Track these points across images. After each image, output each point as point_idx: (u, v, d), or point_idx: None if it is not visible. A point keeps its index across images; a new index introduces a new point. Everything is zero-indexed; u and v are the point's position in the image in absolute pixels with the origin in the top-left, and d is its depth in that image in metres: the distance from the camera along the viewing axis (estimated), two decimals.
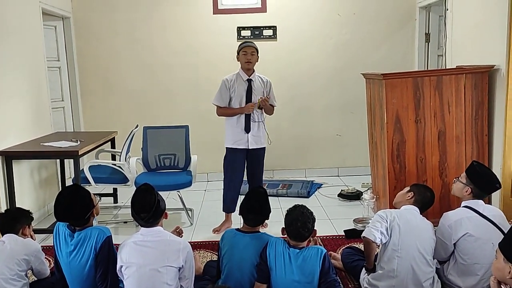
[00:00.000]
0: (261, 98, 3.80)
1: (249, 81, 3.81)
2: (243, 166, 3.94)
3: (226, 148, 3.92)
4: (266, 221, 3.33)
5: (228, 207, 3.97)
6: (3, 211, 2.88)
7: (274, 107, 4.01)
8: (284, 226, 2.49)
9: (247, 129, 3.82)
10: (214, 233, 3.89)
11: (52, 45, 5.09)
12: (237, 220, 3.68)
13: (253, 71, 3.85)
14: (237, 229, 2.70)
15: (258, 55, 3.84)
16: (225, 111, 3.86)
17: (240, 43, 3.89)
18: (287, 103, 5.55)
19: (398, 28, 5.43)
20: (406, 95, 3.68)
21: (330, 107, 5.57)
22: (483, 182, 2.75)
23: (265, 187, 4.95)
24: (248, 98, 3.80)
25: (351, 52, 5.46)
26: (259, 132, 3.90)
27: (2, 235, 2.68)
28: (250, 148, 3.86)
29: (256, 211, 2.62)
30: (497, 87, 3.69)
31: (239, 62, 3.83)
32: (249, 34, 5.39)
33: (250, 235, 2.62)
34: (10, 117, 3.89)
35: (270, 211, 2.70)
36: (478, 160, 3.73)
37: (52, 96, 4.89)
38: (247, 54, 3.76)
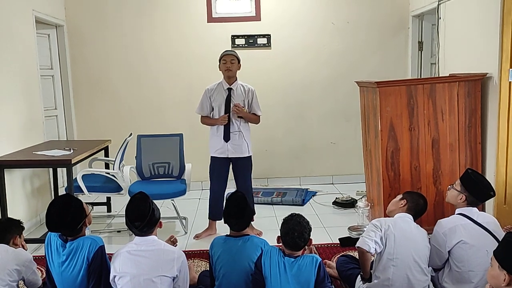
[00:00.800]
0: (234, 105, 3.80)
1: (229, 89, 3.85)
2: (226, 174, 3.97)
3: (211, 156, 3.97)
4: (261, 229, 3.30)
5: (213, 214, 3.99)
6: None
7: (260, 116, 3.99)
8: (279, 235, 2.47)
9: (226, 138, 3.84)
10: (195, 238, 3.92)
11: (46, 53, 5.08)
12: (223, 229, 3.67)
13: (235, 79, 3.89)
14: (227, 235, 2.70)
15: (240, 63, 3.89)
16: (205, 120, 3.95)
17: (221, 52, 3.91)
18: (282, 111, 5.56)
19: (391, 36, 5.47)
20: (400, 103, 3.69)
21: (324, 115, 5.59)
22: (477, 190, 2.75)
23: (259, 195, 4.98)
24: (227, 107, 3.82)
25: (345, 61, 5.49)
26: (240, 141, 3.88)
27: None
28: (230, 157, 3.88)
29: (237, 216, 2.63)
30: (489, 95, 3.71)
31: (221, 71, 3.88)
32: (243, 43, 5.40)
33: (242, 238, 2.63)
34: (2, 125, 3.86)
35: (253, 213, 2.74)
36: (471, 168, 3.75)
37: (45, 104, 4.86)
38: (226, 63, 3.80)
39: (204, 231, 4.00)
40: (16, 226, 2.78)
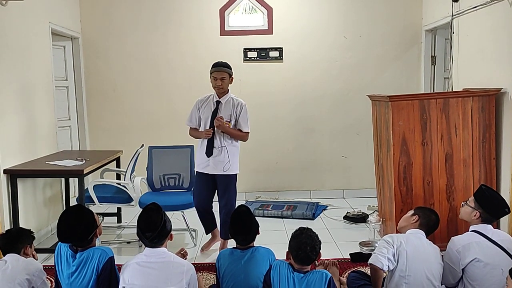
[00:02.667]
0: (227, 121, 3.67)
1: (217, 102, 3.73)
2: (209, 190, 3.80)
3: (196, 171, 3.88)
4: (270, 243, 3.28)
5: (207, 228, 3.95)
6: (5, 231, 2.84)
7: (247, 133, 3.79)
8: (288, 250, 2.44)
9: (208, 153, 3.70)
10: (202, 251, 3.88)
11: (61, 64, 5.15)
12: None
13: (227, 91, 3.77)
14: (233, 248, 2.69)
15: (232, 76, 3.74)
16: (192, 133, 3.87)
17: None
18: (293, 124, 5.56)
19: (404, 50, 5.45)
20: (412, 117, 3.66)
21: (335, 129, 5.56)
22: (492, 206, 2.70)
23: (269, 208, 4.95)
24: (213, 120, 3.69)
25: (357, 74, 5.48)
26: (222, 158, 3.68)
27: (4, 255, 2.65)
28: (210, 173, 3.72)
29: (243, 232, 2.63)
30: (504, 110, 3.67)
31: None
32: (255, 56, 5.43)
33: (248, 250, 2.63)
34: (16, 135, 3.91)
35: (258, 226, 2.71)
36: (486, 184, 3.69)
37: (59, 115, 4.92)
38: (216, 80, 3.66)
39: (209, 242, 3.96)
40: (27, 236, 2.77)
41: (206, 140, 3.72)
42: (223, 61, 3.77)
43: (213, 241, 3.96)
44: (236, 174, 3.80)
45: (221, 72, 3.67)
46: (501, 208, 2.71)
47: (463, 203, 2.86)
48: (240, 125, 3.75)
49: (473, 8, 4.06)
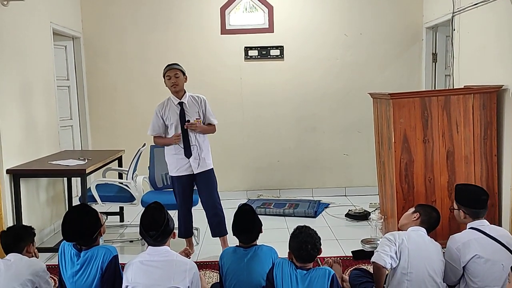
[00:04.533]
0: (198, 119, 3.66)
1: (181, 104, 3.68)
2: (191, 191, 3.82)
3: (171, 176, 3.79)
4: (272, 241, 3.29)
5: (186, 233, 3.86)
6: (6, 229, 2.81)
7: (215, 125, 3.81)
8: (290, 250, 2.45)
9: (188, 153, 3.67)
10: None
11: (62, 64, 5.17)
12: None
13: (184, 92, 3.71)
14: (236, 246, 2.70)
15: (186, 75, 3.71)
16: (158, 140, 3.77)
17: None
18: (294, 122, 5.56)
19: (405, 48, 5.45)
20: (413, 114, 3.67)
21: (337, 127, 5.57)
22: (469, 200, 2.76)
23: (271, 207, 4.96)
24: (183, 122, 3.64)
25: (358, 72, 5.48)
26: (199, 155, 3.69)
27: (6, 253, 2.63)
28: (195, 173, 3.71)
29: (246, 230, 2.64)
30: (505, 107, 3.67)
31: (167, 87, 3.71)
32: (256, 54, 5.44)
33: (251, 248, 2.64)
34: (18, 135, 3.93)
35: (261, 225, 2.70)
36: (487, 181, 3.71)
37: (61, 114, 4.93)
38: (171, 78, 3.63)
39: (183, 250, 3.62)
40: (29, 233, 2.75)
41: (180, 143, 3.67)
42: None
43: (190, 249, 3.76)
44: (213, 168, 3.82)
45: (173, 69, 3.65)
46: (476, 197, 2.76)
47: (450, 208, 2.91)
48: (208, 119, 3.77)
49: (474, 5, 4.06)
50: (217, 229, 3.81)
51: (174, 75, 3.63)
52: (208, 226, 3.90)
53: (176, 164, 3.72)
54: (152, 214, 2.41)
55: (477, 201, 2.75)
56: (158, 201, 2.53)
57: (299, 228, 2.47)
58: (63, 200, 4.70)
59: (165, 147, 3.81)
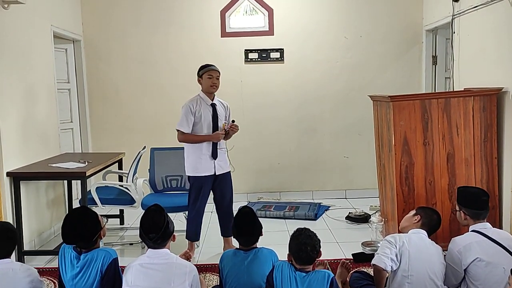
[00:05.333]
0: (225, 123, 3.74)
1: (213, 105, 3.74)
2: (209, 193, 3.84)
3: (192, 176, 3.76)
4: (273, 244, 3.29)
5: (195, 235, 3.83)
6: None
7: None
8: (289, 253, 2.45)
9: (215, 155, 3.72)
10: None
11: (63, 67, 5.17)
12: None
13: (214, 95, 3.78)
14: (237, 249, 2.70)
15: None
16: (191, 137, 3.69)
17: (201, 65, 3.78)
18: (294, 125, 5.57)
19: (405, 50, 5.46)
20: (414, 117, 3.67)
21: (337, 129, 5.57)
22: (469, 201, 2.77)
23: (271, 209, 4.96)
24: (214, 124, 3.70)
25: (358, 75, 5.49)
26: (224, 157, 3.82)
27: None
28: (217, 174, 3.76)
29: (247, 233, 2.64)
30: (505, 109, 3.67)
31: (200, 84, 3.74)
32: (257, 57, 5.44)
33: (251, 251, 2.64)
34: (18, 137, 3.93)
35: (261, 227, 2.70)
36: (488, 183, 3.70)
37: (61, 117, 4.94)
38: (212, 78, 3.67)
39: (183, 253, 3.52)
40: (15, 233, 2.55)
41: (210, 144, 3.71)
42: None
43: (192, 252, 3.78)
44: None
45: (216, 71, 3.72)
46: (478, 198, 2.78)
47: (452, 211, 2.92)
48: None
49: (473, 8, 4.06)
50: (228, 229, 3.82)
51: (216, 77, 3.69)
52: (207, 228, 3.90)
53: (200, 164, 3.71)
54: (152, 216, 2.41)
55: (477, 202, 2.76)
56: (158, 203, 2.53)
57: (298, 230, 2.47)
58: (63, 202, 4.70)
59: (189, 146, 3.75)
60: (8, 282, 2.35)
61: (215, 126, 3.72)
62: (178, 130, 3.71)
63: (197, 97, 3.76)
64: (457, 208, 2.86)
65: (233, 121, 3.81)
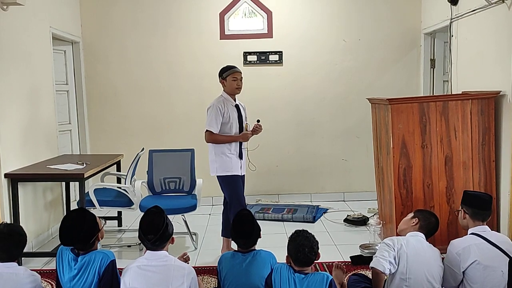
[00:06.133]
0: (247, 123, 3.83)
1: (237, 106, 3.80)
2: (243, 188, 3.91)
3: (222, 176, 3.75)
4: (271, 246, 3.29)
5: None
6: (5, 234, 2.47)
7: None
8: (288, 254, 2.45)
9: (241, 155, 3.80)
10: None
11: (61, 68, 5.17)
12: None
13: (235, 96, 3.84)
14: (235, 251, 2.71)
15: None
16: (219, 138, 3.69)
17: (223, 66, 3.81)
18: (293, 127, 5.57)
19: (403, 54, 5.47)
20: (412, 120, 3.68)
21: (335, 132, 5.58)
22: (473, 200, 2.80)
23: (270, 212, 4.96)
24: (240, 124, 3.78)
25: (357, 78, 5.50)
26: (245, 158, 3.92)
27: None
28: (242, 174, 3.84)
29: (245, 236, 2.64)
30: (503, 113, 3.68)
31: (224, 86, 3.76)
32: (255, 59, 5.45)
33: (250, 253, 2.64)
34: (16, 139, 3.92)
35: (259, 230, 2.72)
36: (485, 186, 3.72)
37: (60, 119, 4.93)
38: (237, 80, 3.71)
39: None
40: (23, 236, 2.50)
41: (237, 144, 3.77)
42: None
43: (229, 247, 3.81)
44: None
45: (240, 73, 3.76)
46: (480, 197, 2.82)
47: (455, 212, 2.94)
48: (248, 126, 3.90)
49: (471, 12, 4.08)
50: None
51: (240, 79, 3.74)
52: (205, 231, 3.89)
53: (231, 163, 3.74)
54: (152, 218, 2.41)
55: (479, 201, 2.78)
56: (158, 205, 2.53)
57: (296, 232, 2.48)
58: (61, 204, 4.69)
59: (218, 147, 3.73)
60: (11, 286, 2.34)
61: (240, 127, 3.79)
62: (207, 131, 3.69)
63: (222, 98, 3.77)
64: (460, 208, 2.89)
65: (258, 121, 3.87)
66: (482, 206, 2.78)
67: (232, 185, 3.76)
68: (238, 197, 3.74)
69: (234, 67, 3.81)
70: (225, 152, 3.74)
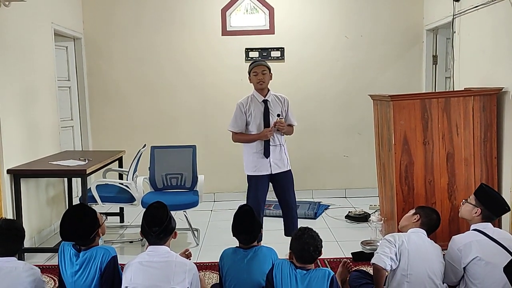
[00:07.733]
0: (281, 118, 3.60)
1: (265, 101, 3.63)
2: (266, 192, 3.74)
3: (248, 175, 3.69)
4: (272, 242, 3.30)
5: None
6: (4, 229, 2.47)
7: (294, 127, 3.80)
8: (291, 251, 2.45)
9: (267, 154, 3.61)
10: None
11: (63, 65, 5.17)
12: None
13: (268, 90, 3.66)
14: (236, 247, 2.71)
15: (271, 72, 3.65)
16: (241, 137, 3.65)
17: (249, 63, 3.74)
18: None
19: (406, 50, 5.46)
20: (414, 116, 3.67)
21: (337, 128, 5.57)
22: (492, 203, 2.73)
23: (271, 208, 4.96)
24: (266, 120, 3.60)
25: (359, 74, 5.48)
26: (281, 155, 3.67)
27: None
28: (273, 173, 3.65)
29: (246, 231, 2.64)
30: (505, 109, 3.67)
31: (251, 83, 3.66)
32: (257, 55, 5.44)
33: (251, 249, 2.65)
34: (19, 135, 3.93)
35: (260, 226, 2.72)
36: (487, 183, 3.70)
37: (62, 115, 4.94)
38: (258, 74, 3.57)
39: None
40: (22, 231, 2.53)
41: (261, 142, 3.61)
42: None
43: None
44: (291, 169, 3.77)
45: (261, 66, 3.59)
46: (502, 206, 2.74)
47: (463, 201, 2.89)
48: (290, 120, 3.73)
49: (474, 8, 4.06)
50: (291, 229, 3.65)
51: (261, 72, 3.57)
52: (206, 227, 3.89)
53: (256, 163, 3.64)
54: (155, 211, 2.43)
55: (499, 208, 2.74)
56: (160, 201, 2.54)
57: (301, 230, 2.46)
58: (63, 200, 4.71)
59: (244, 145, 3.70)
60: (11, 280, 2.35)
61: (266, 123, 3.60)
62: (230, 131, 3.67)
63: (250, 95, 3.67)
64: (473, 202, 2.77)
65: (278, 115, 3.61)
66: (498, 214, 2.77)
67: (250, 185, 3.70)
68: (252, 199, 3.64)
69: (256, 60, 3.70)
70: (249, 151, 3.67)
